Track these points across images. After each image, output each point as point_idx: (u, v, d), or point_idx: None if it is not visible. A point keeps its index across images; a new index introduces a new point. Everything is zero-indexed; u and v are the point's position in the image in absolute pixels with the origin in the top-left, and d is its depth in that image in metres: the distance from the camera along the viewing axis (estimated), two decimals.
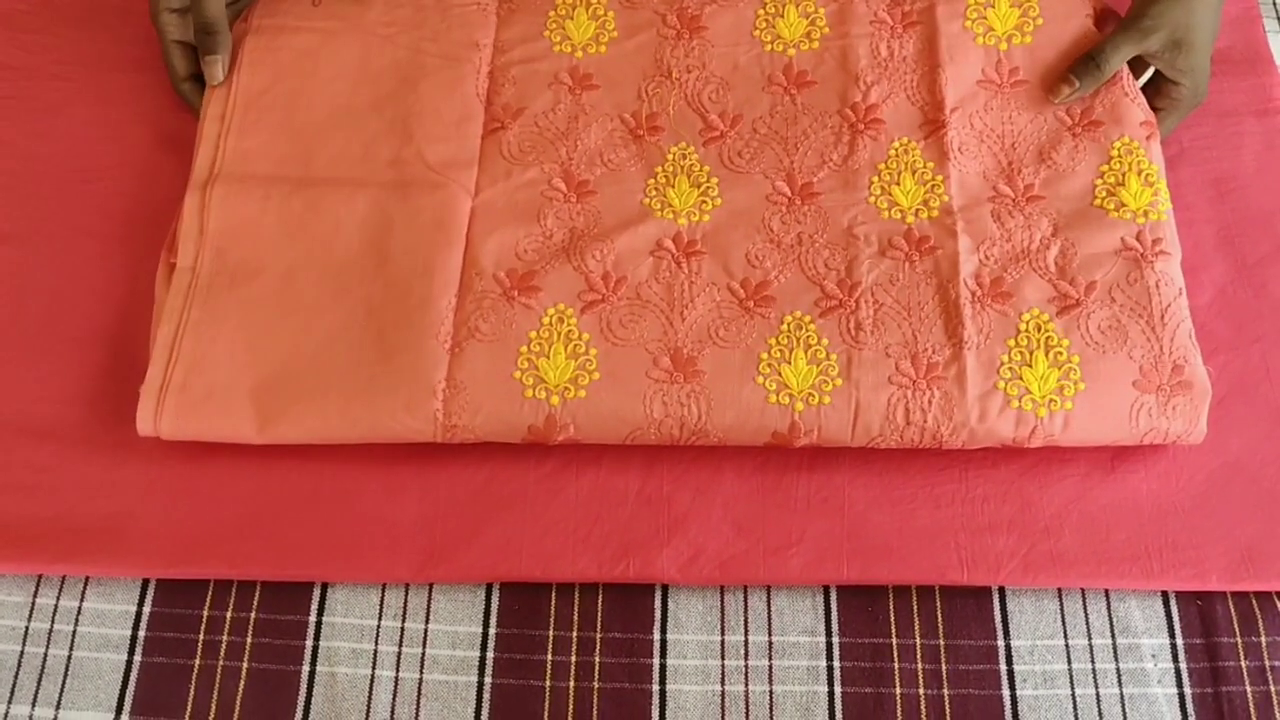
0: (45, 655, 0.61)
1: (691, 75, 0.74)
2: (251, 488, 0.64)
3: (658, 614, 0.63)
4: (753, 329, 0.65)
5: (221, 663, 0.61)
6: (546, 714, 0.60)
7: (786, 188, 0.70)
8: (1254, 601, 0.63)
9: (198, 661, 0.61)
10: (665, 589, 0.63)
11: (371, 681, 0.61)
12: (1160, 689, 0.61)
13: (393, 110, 0.72)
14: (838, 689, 0.61)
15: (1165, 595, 0.63)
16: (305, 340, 0.65)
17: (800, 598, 0.63)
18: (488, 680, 0.61)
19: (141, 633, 0.62)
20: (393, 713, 0.60)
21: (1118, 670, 0.61)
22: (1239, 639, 0.62)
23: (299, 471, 0.65)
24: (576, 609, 0.63)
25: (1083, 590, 0.63)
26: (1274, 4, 0.85)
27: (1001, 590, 0.63)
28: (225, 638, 0.62)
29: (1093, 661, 0.61)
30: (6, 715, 0.60)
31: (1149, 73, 0.74)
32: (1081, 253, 0.67)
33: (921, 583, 0.63)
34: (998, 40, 0.75)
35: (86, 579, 0.63)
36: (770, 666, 0.61)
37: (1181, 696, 0.61)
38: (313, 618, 0.62)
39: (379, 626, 0.62)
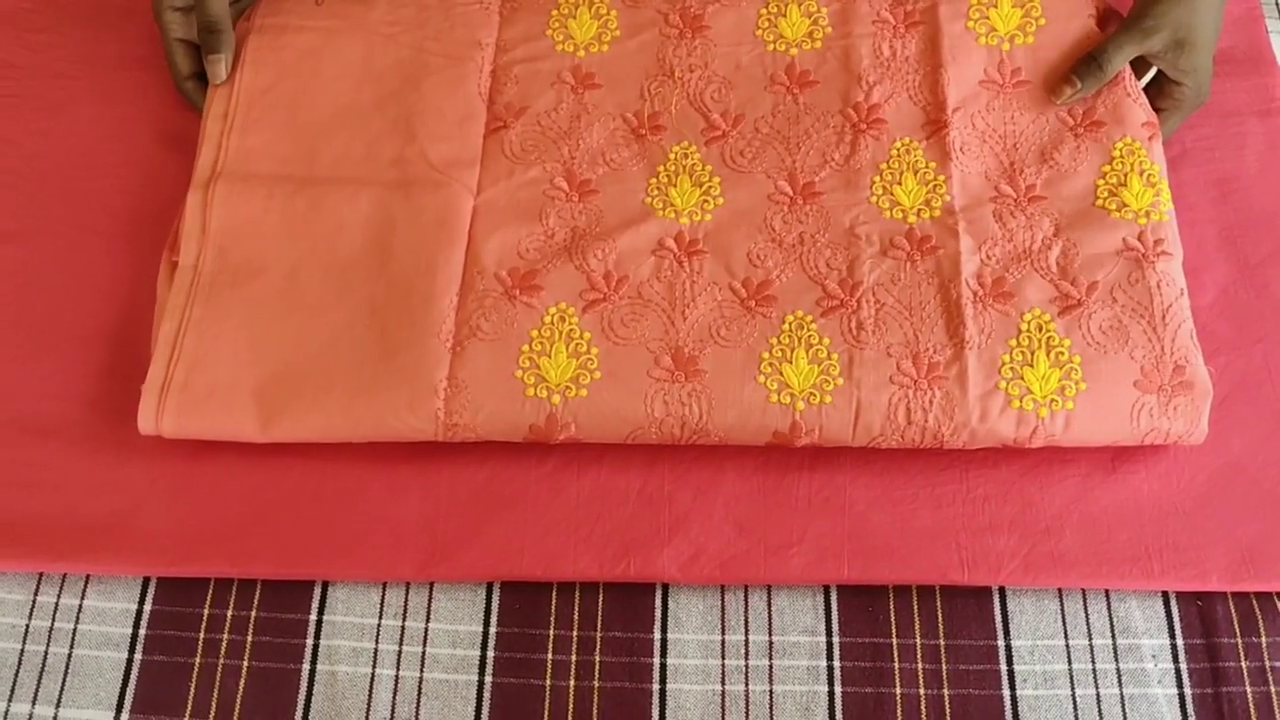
0: (46, 653, 0.61)
1: (694, 75, 0.74)
2: (252, 486, 0.64)
3: (658, 613, 0.63)
4: (754, 328, 0.65)
5: (222, 661, 0.61)
6: (547, 713, 0.60)
7: (788, 187, 0.70)
8: (1254, 602, 0.63)
9: (198, 660, 0.61)
10: (666, 588, 0.63)
11: (372, 680, 0.61)
12: (1160, 689, 0.61)
13: (395, 109, 0.72)
14: (838, 689, 0.61)
15: (1166, 596, 0.63)
16: (307, 339, 0.65)
17: (801, 597, 0.63)
18: (488, 679, 0.61)
19: (142, 631, 0.62)
20: (393, 711, 0.60)
21: (1118, 670, 0.61)
22: (1239, 639, 0.62)
23: (300, 470, 0.65)
24: (577, 608, 0.63)
25: (1083, 590, 0.63)
26: (1276, 4, 0.84)
27: (1002, 590, 0.63)
28: (226, 636, 0.62)
29: (1093, 662, 0.61)
30: (7, 713, 0.60)
31: (1151, 73, 0.74)
32: (1083, 253, 0.67)
33: (922, 583, 0.63)
34: (1000, 40, 0.75)
35: (87, 577, 0.63)
36: (770, 666, 0.61)
37: (1182, 697, 0.61)
38: (313, 616, 0.62)
39: (380, 625, 0.62)
